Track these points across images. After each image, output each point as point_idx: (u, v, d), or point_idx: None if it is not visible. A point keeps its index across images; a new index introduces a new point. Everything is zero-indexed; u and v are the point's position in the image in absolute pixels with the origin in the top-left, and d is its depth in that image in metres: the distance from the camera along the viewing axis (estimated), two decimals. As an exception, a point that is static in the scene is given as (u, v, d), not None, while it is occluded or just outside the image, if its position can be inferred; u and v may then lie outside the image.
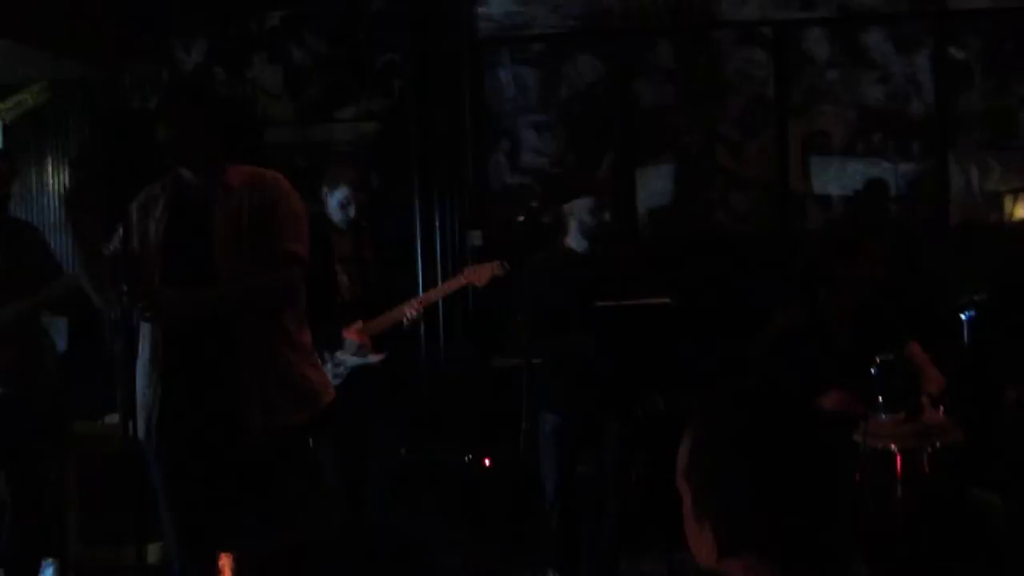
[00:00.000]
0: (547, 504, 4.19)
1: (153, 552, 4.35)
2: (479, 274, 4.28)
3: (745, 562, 1.45)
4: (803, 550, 1.44)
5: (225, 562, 1.71)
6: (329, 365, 4.17)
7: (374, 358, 4.20)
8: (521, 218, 4.13)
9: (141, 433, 3.16)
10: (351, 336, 4.19)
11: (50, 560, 4.51)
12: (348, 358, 4.19)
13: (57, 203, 5.75)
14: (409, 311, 4.23)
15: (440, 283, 4.49)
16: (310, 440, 3.57)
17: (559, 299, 4.10)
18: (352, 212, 4.26)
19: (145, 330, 3.17)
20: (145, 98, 5.82)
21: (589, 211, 4.17)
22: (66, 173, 5.72)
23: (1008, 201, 5.31)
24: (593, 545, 4.26)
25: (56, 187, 5.74)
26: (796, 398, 1.60)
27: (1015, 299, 3.84)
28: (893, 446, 3.22)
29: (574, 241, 4.21)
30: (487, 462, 4.70)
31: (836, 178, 5.50)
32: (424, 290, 4.48)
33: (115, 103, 5.80)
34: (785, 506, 1.44)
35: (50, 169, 5.80)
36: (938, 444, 3.22)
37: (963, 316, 4.01)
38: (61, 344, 4.96)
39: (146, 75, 5.88)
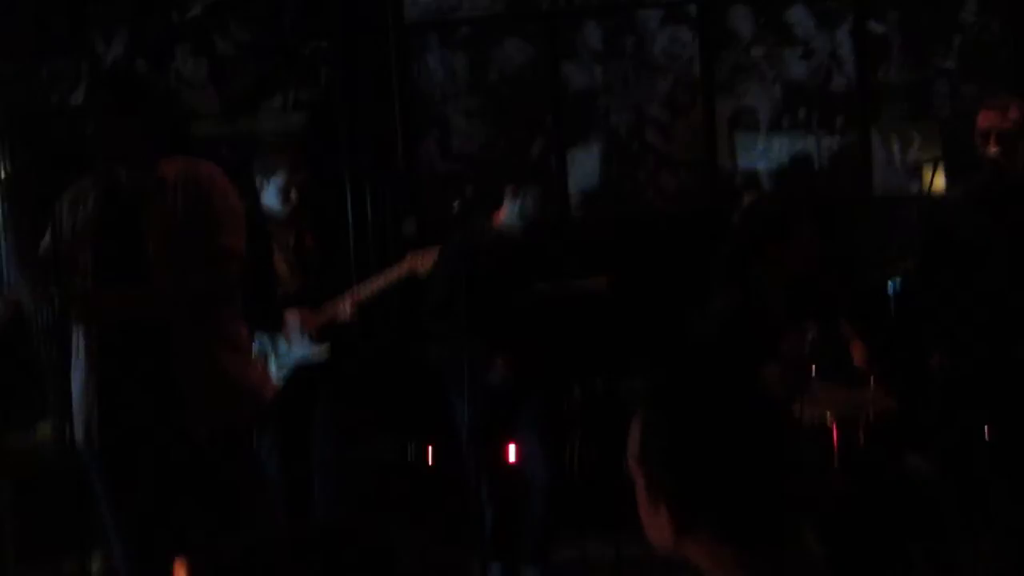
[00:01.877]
0: (483, 501, 4.18)
1: (96, 562, 4.28)
2: (423, 261, 4.25)
3: (702, 542, 1.48)
4: (758, 526, 1.48)
5: (179, 568, 1.70)
6: (272, 361, 4.13)
7: (316, 350, 4.16)
8: (457, 204, 4.12)
9: (79, 439, 3.11)
10: (292, 316, 4.13)
11: (-13, 575, 4.42)
12: (291, 352, 4.15)
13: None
14: (343, 308, 4.19)
15: (375, 274, 4.45)
16: (253, 438, 3.55)
17: (487, 275, 4.07)
18: (294, 196, 4.17)
19: (79, 332, 3.11)
20: (64, 93, 5.69)
21: (534, 200, 4.17)
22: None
23: (927, 171, 5.45)
24: (526, 531, 4.27)
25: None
26: (743, 377, 1.64)
27: (938, 267, 3.94)
28: (829, 415, 3.29)
29: (509, 221, 4.20)
30: (428, 454, 4.70)
31: (763, 154, 5.60)
32: (358, 281, 4.44)
33: (33, 98, 5.65)
34: (739, 483, 1.47)
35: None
36: (872, 413, 3.31)
37: (889, 286, 4.12)
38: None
39: (64, 69, 5.73)
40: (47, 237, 3.08)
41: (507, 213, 4.19)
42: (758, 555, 1.47)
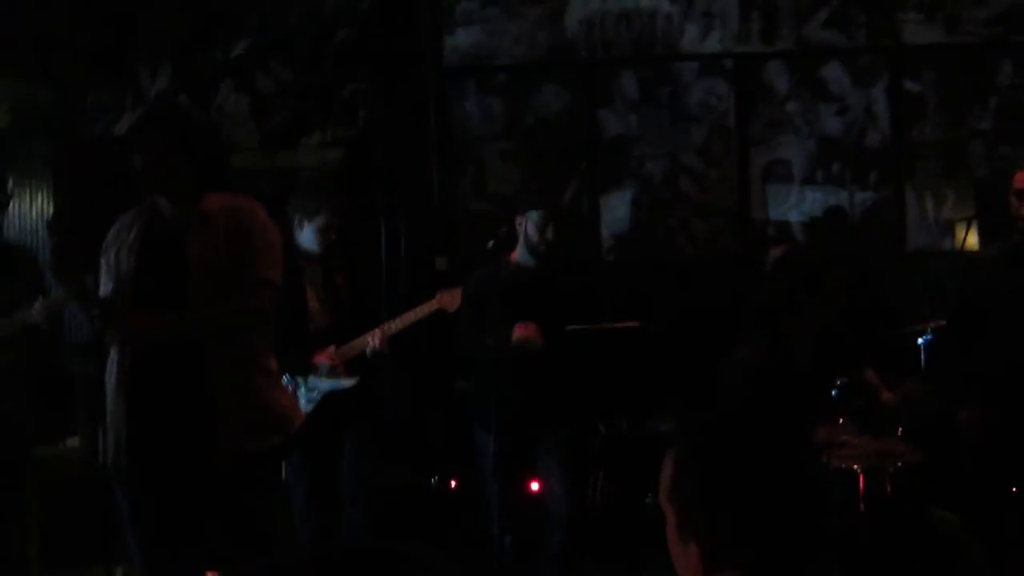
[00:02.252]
0: (496, 530, 4.19)
1: (119, 574, 4.31)
2: (451, 299, 4.30)
3: (731, 577, 1.50)
4: (786, 565, 1.49)
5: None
6: (303, 390, 4.17)
7: (346, 382, 4.20)
8: (492, 244, 4.15)
9: (109, 456, 3.15)
10: (323, 359, 4.19)
11: (12, 586, 4.45)
12: (321, 382, 4.19)
13: (17, 221, 5.69)
14: (371, 340, 4.23)
15: (406, 309, 4.50)
16: (280, 462, 3.58)
17: (501, 311, 4.09)
18: (332, 236, 4.25)
19: (113, 353, 3.16)
20: (108, 123, 5.81)
21: (535, 225, 4.17)
22: (40, 197, 5.69)
23: (960, 229, 5.45)
24: (547, 560, 4.26)
25: (17, 207, 5.68)
26: (772, 423, 1.66)
27: (970, 324, 3.93)
28: (856, 466, 3.28)
29: (521, 256, 4.23)
30: (453, 483, 4.71)
31: (795, 207, 5.62)
32: (390, 316, 4.49)
33: (78, 128, 5.77)
34: (769, 524, 1.49)
35: (9, 189, 5.75)
36: (899, 464, 3.30)
37: (920, 341, 4.12)
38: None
39: (109, 100, 5.85)
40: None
41: (519, 248, 4.22)
42: (785, 592, 1.49)
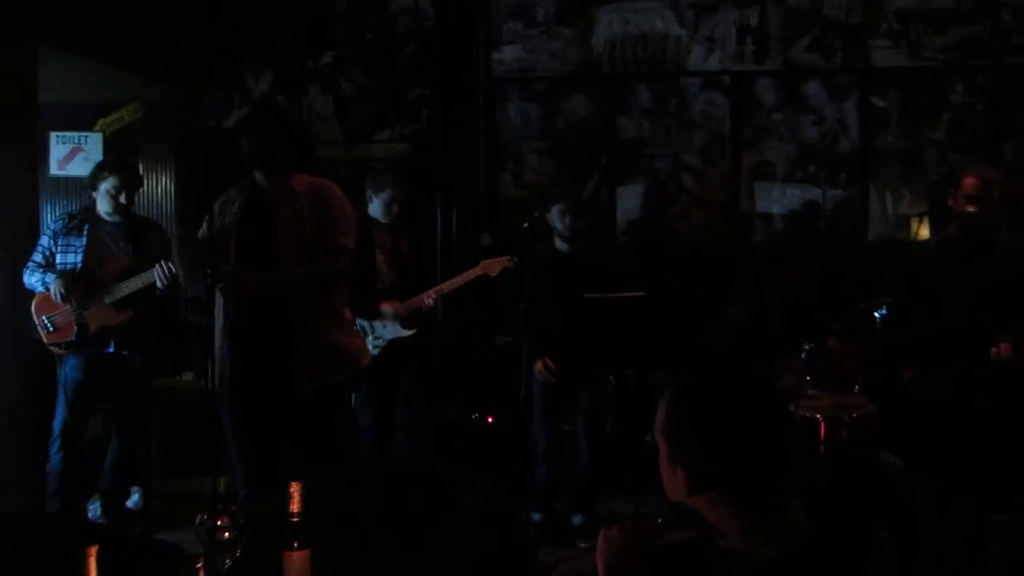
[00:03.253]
0: (537, 461, 4.22)
1: (223, 484, 4.37)
2: (493, 266, 4.33)
3: (709, 499, 1.51)
4: (755, 492, 1.50)
5: (295, 489, 1.76)
6: (370, 338, 4.21)
7: (406, 332, 4.24)
8: (526, 225, 4.17)
9: (216, 386, 3.21)
10: (387, 306, 4.23)
11: (137, 487, 4.55)
12: (386, 331, 4.23)
13: (146, 199, 5.77)
14: (427, 299, 4.26)
15: (457, 275, 4.52)
16: (350, 395, 3.62)
17: (547, 289, 4.12)
18: (396, 209, 4.30)
19: (220, 304, 3.21)
20: (220, 117, 5.85)
21: (558, 217, 4.21)
22: (165, 178, 5.76)
23: (914, 223, 5.39)
24: (574, 488, 4.30)
25: (146, 187, 5.76)
26: (749, 372, 1.66)
27: (912, 301, 3.88)
28: (818, 415, 3.27)
29: (557, 243, 4.26)
30: (490, 419, 4.75)
31: (778, 200, 5.57)
32: (443, 280, 4.53)
33: (196, 122, 5.83)
34: (743, 456, 1.50)
35: (140, 172, 5.80)
36: (855, 415, 3.28)
37: (876, 314, 4.06)
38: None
39: (221, 99, 5.91)
40: (203, 229, 3.19)
41: (555, 238, 4.25)
42: (753, 515, 1.50)
